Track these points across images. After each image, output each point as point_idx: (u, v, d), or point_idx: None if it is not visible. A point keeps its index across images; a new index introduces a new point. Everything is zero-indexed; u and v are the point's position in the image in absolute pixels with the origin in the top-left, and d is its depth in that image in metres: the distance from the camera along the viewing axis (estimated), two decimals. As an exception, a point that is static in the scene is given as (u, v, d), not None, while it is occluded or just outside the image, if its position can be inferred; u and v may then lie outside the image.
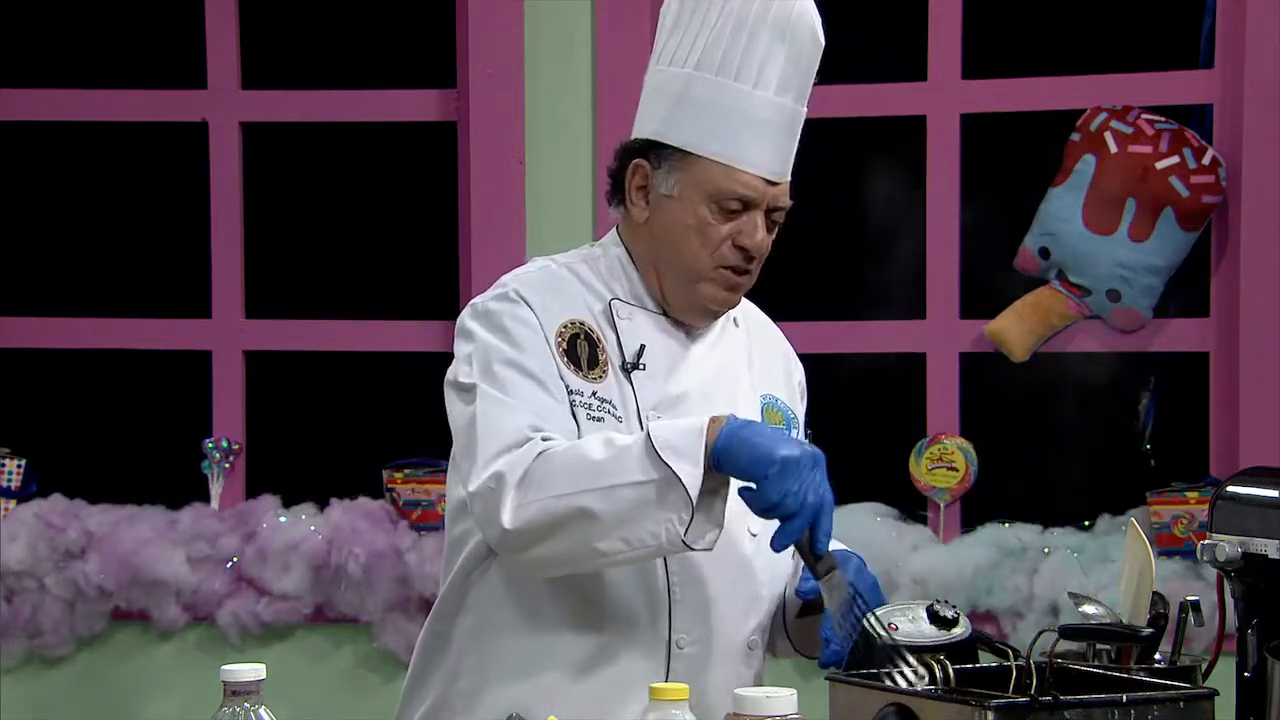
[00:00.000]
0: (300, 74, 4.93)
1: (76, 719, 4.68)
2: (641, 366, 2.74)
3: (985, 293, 4.59)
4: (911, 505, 4.57)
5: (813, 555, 2.58)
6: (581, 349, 2.73)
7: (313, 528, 4.58)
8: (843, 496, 4.52)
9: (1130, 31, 4.81)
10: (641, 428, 2.69)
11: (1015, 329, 4.48)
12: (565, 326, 2.73)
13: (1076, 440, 4.92)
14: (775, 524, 2.56)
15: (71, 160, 5.07)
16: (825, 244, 5.07)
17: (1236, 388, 4.37)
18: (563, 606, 2.71)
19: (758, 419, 2.82)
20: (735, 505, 2.61)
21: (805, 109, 2.81)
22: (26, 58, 4.99)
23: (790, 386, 2.97)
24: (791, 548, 2.59)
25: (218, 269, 4.82)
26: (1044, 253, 4.46)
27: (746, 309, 2.94)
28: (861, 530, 4.46)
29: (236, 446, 4.77)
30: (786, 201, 2.79)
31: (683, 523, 2.53)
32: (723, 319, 2.86)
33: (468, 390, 2.69)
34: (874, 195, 5.00)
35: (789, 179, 2.79)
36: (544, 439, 2.62)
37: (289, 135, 4.92)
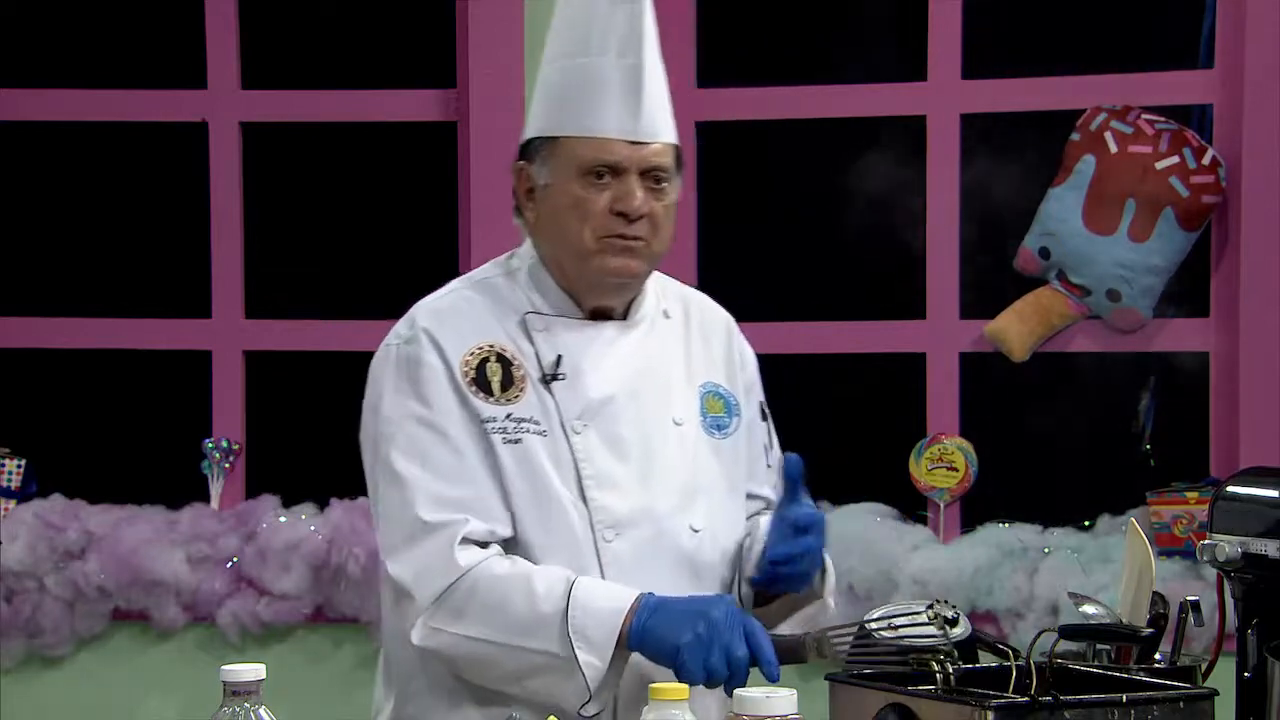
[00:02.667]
0: (300, 74, 4.93)
1: (76, 719, 4.68)
2: (561, 376, 2.74)
3: (985, 293, 4.59)
4: (911, 505, 4.57)
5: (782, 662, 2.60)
6: (493, 372, 2.73)
7: (313, 528, 4.58)
8: (843, 496, 4.57)
9: (1130, 31, 4.81)
10: (567, 439, 2.70)
11: (1015, 329, 4.48)
12: (472, 354, 2.74)
13: (1076, 440, 4.91)
14: (719, 517, 2.67)
15: (71, 160, 5.07)
16: (825, 244, 5.07)
17: (1236, 388, 4.37)
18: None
19: (696, 411, 2.82)
20: (673, 499, 2.68)
21: (649, 62, 2.79)
22: (26, 58, 4.99)
23: (733, 373, 2.94)
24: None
25: (218, 269, 4.82)
26: (1044, 253, 4.46)
27: (686, 298, 2.93)
28: (861, 530, 4.46)
29: (236, 446, 4.77)
30: (661, 161, 2.76)
31: (579, 700, 2.59)
32: (652, 311, 2.85)
33: (375, 453, 2.74)
34: (874, 195, 5.00)
35: (662, 141, 2.77)
36: (462, 541, 2.63)
37: (289, 135, 4.92)
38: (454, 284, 2.86)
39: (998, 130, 4.67)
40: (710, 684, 2.56)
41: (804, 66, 4.86)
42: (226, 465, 4.75)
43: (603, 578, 2.69)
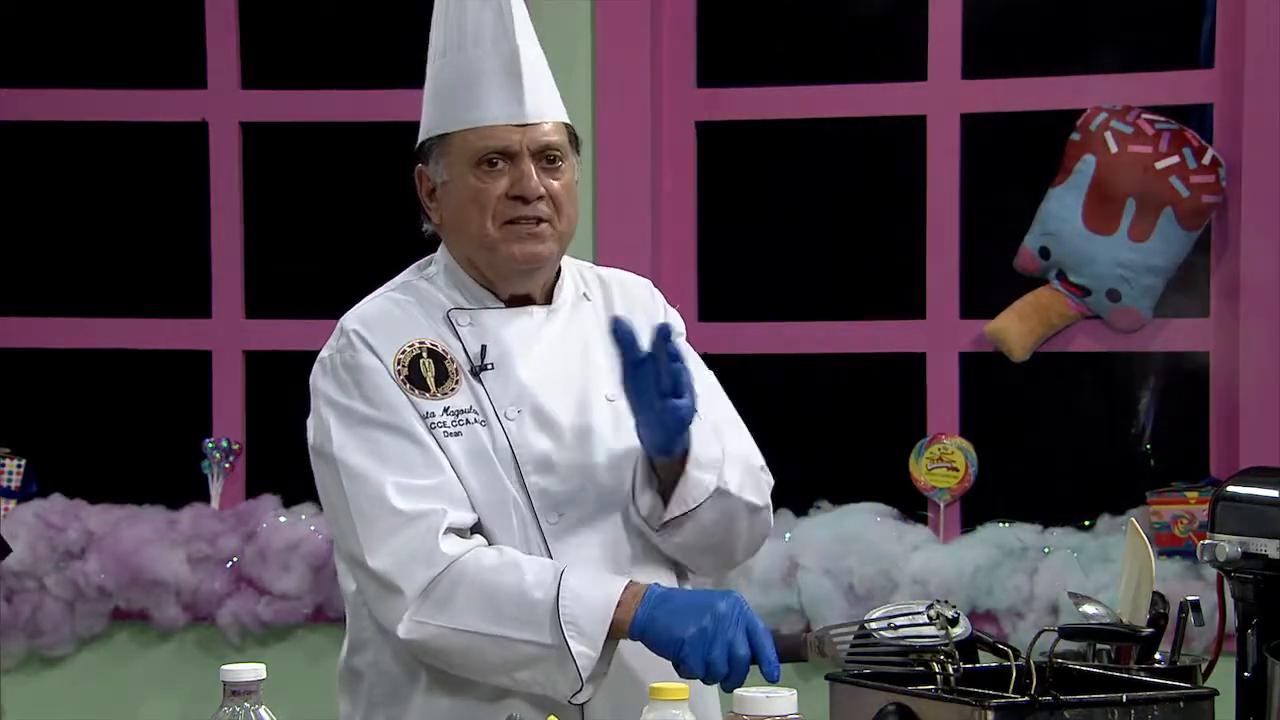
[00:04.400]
0: (300, 74, 4.93)
1: (76, 719, 4.68)
2: (489, 367, 2.74)
3: (985, 293, 4.59)
4: (911, 505, 4.57)
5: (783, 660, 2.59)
6: (426, 368, 2.74)
7: (313, 528, 4.58)
8: (843, 496, 4.57)
9: (1130, 31, 4.81)
10: (502, 427, 2.70)
11: (1015, 329, 4.48)
12: (403, 352, 2.74)
13: (1076, 440, 4.91)
14: None
15: (71, 160, 5.06)
16: (825, 244, 5.07)
17: (1236, 388, 4.37)
18: None
19: (618, 389, 2.77)
20: (612, 475, 2.70)
21: (525, 45, 2.82)
22: (26, 58, 4.99)
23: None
24: None
25: (218, 269, 4.82)
26: (1044, 253, 4.46)
27: (603, 278, 2.92)
28: (861, 530, 4.46)
29: (236, 446, 4.77)
30: (552, 139, 2.77)
31: (571, 690, 2.59)
32: (571, 295, 2.85)
33: (331, 460, 2.72)
34: (874, 195, 5.00)
35: (551, 120, 2.78)
36: (445, 531, 2.63)
37: (289, 135, 4.92)
38: (377, 292, 2.89)
39: (998, 130, 4.67)
40: (708, 680, 2.56)
41: (804, 66, 4.86)
42: (226, 465, 4.75)
43: (551, 559, 2.69)
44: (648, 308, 2.91)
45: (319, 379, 2.78)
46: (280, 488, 4.70)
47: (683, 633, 2.54)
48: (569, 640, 2.56)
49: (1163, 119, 4.41)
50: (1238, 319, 4.37)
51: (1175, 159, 4.34)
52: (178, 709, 4.66)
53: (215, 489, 4.74)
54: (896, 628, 2.57)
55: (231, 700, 2.23)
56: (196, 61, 4.81)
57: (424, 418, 2.70)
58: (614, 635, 2.58)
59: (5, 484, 4.71)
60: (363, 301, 2.86)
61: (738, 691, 2.20)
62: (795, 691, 2.18)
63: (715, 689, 2.68)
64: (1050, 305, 4.47)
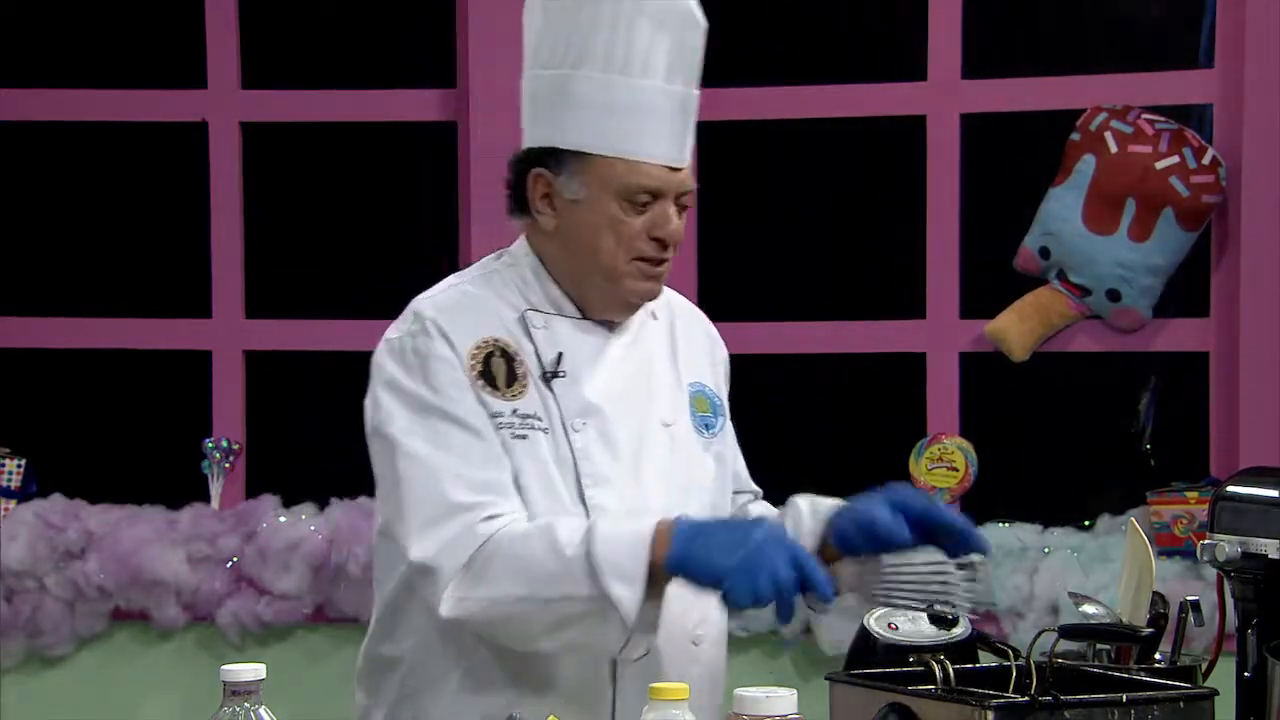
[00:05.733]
0: (300, 74, 4.93)
1: (76, 719, 4.68)
2: (561, 374, 2.73)
3: (985, 293, 4.59)
4: (911, 505, 4.56)
5: (822, 604, 2.56)
6: (498, 367, 2.72)
7: (313, 528, 4.58)
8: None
9: (1130, 31, 4.81)
10: (566, 437, 2.69)
11: (1015, 329, 4.48)
12: (479, 347, 2.71)
13: (1076, 440, 4.91)
14: (709, 515, 2.64)
15: (71, 160, 5.06)
16: (825, 244, 5.07)
17: (1236, 388, 4.37)
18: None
19: (685, 411, 2.82)
20: (665, 499, 2.68)
21: (696, 92, 2.78)
22: (26, 58, 4.99)
23: (715, 371, 2.96)
24: None
25: (218, 269, 4.82)
26: (1044, 253, 4.46)
27: (669, 301, 2.93)
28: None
29: (236, 446, 4.77)
30: (691, 184, 2.76)
31: (619, 641, 2.56)
32: (640, 314, 2.85)
33: (391, 443, 2.69)
34: (873, 195, 5.00)
35: (689, 162, 2.77)
36: (487, 517, 2.62)
37: (289, 135, 4.92)
38: (451, 280, 2.84)
39: (998, 130, 4.67)
40: (757, 608, 2.51)
41: (804, 66, 4.86)
42: (226, 465, 4.75)
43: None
44: (706, 344, 2.95)
45: (386, 360, 2.74)
46: (280, 488, 4.70)
47: (724, 565, 2.49)
48: (607, 587, 2.52)
49: (1163, 119, 4.41)
50: (1238, 319, 4.37)
51: (1175, 159, 4.34)
52: (178, 709, 4.66)
53: (215, 489, 4.74)
54: (896, 628, 2.57)
55: (231, 700, 2.23)
56: (196, 61, 4.81)
57: (492, 416, 2.68)
58: (653, 576, 2.54)
59: (5, 484, 4.71)
60: (436, 288, 2.82)
61: (737, 692, 2.20)
62: (795, 691, 2.18)
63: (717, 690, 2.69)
64: (1050, 305, 4.47)
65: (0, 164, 5.00)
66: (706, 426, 2.86)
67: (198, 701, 4.54)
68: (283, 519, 4.61)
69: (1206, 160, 4.35)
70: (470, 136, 4.61)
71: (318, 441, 5.10)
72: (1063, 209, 4.43)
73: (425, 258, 4.89)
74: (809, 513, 2.78)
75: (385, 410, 2.71)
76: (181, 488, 4.75)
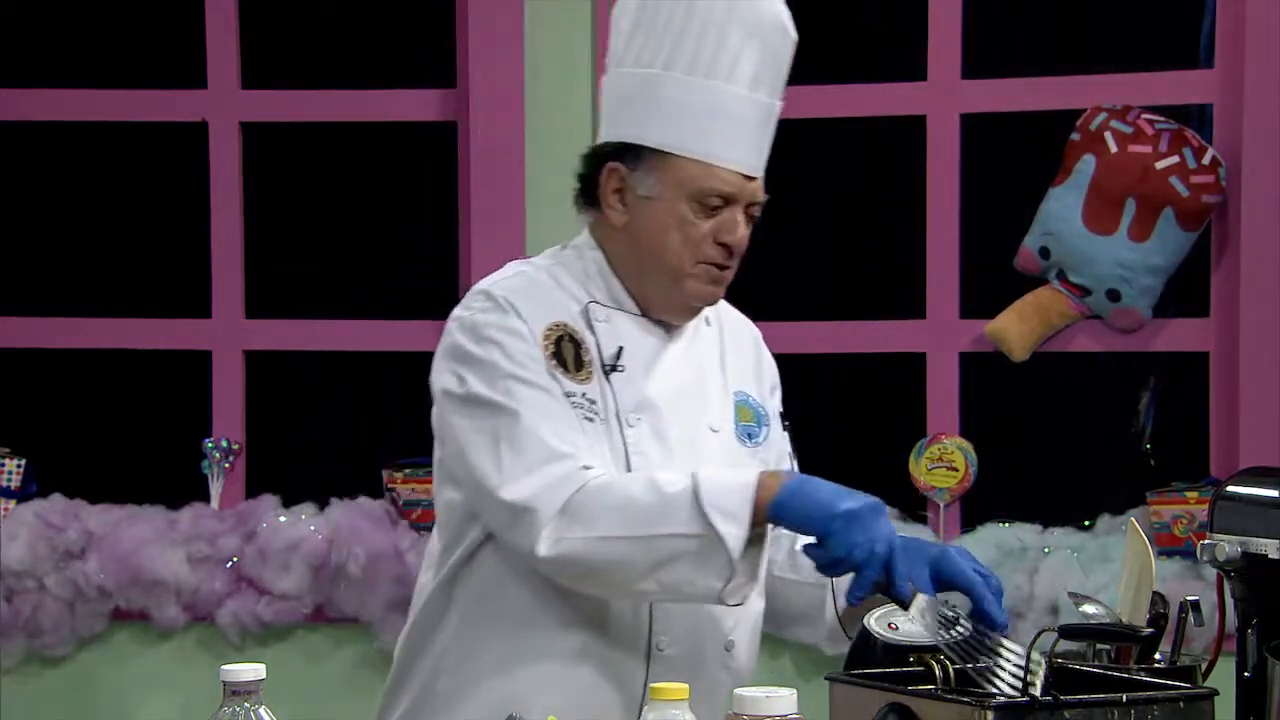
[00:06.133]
0: (300, 74, 4.93)
1: (76, 719, 4.68)
2: (620, 368, 2.74)
3: (985, 293, 4.59)
4: (911, 505, 4.57)
5: (895, 599, 2.57)
6: (567, 351, 2.72)
7: (313, 528, 4.58)
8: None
9: (1130, 31, 4.81)
10: (620, 431, 2.70)
11: (1015, 329, 4.48)
12: (551, 329, 2.72)
13: (1076, 440, 4.91)
14: None
15: (71, 160, 5.07)
16: (825, 244, 5.07)
17: (1236, 388, 4.37)
18: (547, 608, 2.71)
19: (730, 419, 2.84)
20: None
21: (780, 103, 2.82)
22: (26, 58, 4.99)
23: (761, 383, 2.97)
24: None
25: (218, 269, 4.82)
26: (1044, 253, 4.46)
27: (719, 308, 2.93)
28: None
29: (236, 446, 4.77)
30: (762, 196, 2.78)
31: (721, 580, 2.54)
32: (696, 320, 2.86)
33: (473, 402, 2.67)
34: (874, 195, 5.00)
35: (763, 174, 2.79)
36: (584, 467, 2.62)
37: (289, 135, 4.92)
38: (515, 266, 2.83)
39: (998, 130, 4.67)
40: (835, 570, 2.53)
41: (804, 66, 4.85)
42: (226, 465, 4.75)
43: None
44: (754, 354, 2.96)
45: (459, 336, 2.72)
46: (280, 488, 4.70)
47: (832, 511, 2.52)
48: (714, 523, 2.52)
49: (1163, 119, 4.41)
50: (1238, 319, 4.37)
51: (1175, 159, 4.34)
52: (178, 709, 4.66)
53: (215, 489, 4.74)
54: (896, 628, 2.57)
55: (231, 700, 2.23)
56: (196, 61, 4.81)
57: (565, 394, 2.69)
58: (757, 519, 2.53)
59: (5, 484, 4.71)
60: (499, 274, 2.81)
61: (737, 692, 2.20)
62: (795, 691, 2.18)
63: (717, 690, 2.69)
64: (1050, 305, 4.47)
65: (0, 164, 5.00)
66: (749, 436, 2.87)
67: (198, 701, 4.54)
68: (283, 519, 4.61)
69: (1206, 160, 4.35)
70: (470, 136, 4.61)
71: (318, 441, 5.10)
72: (1063, 209, 4.43)
73: (425, 258, 4.89)
74: None
75: (463, 379, 2.69)
76: (181, 488, 4.75)
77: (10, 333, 4.87)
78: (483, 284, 2.78)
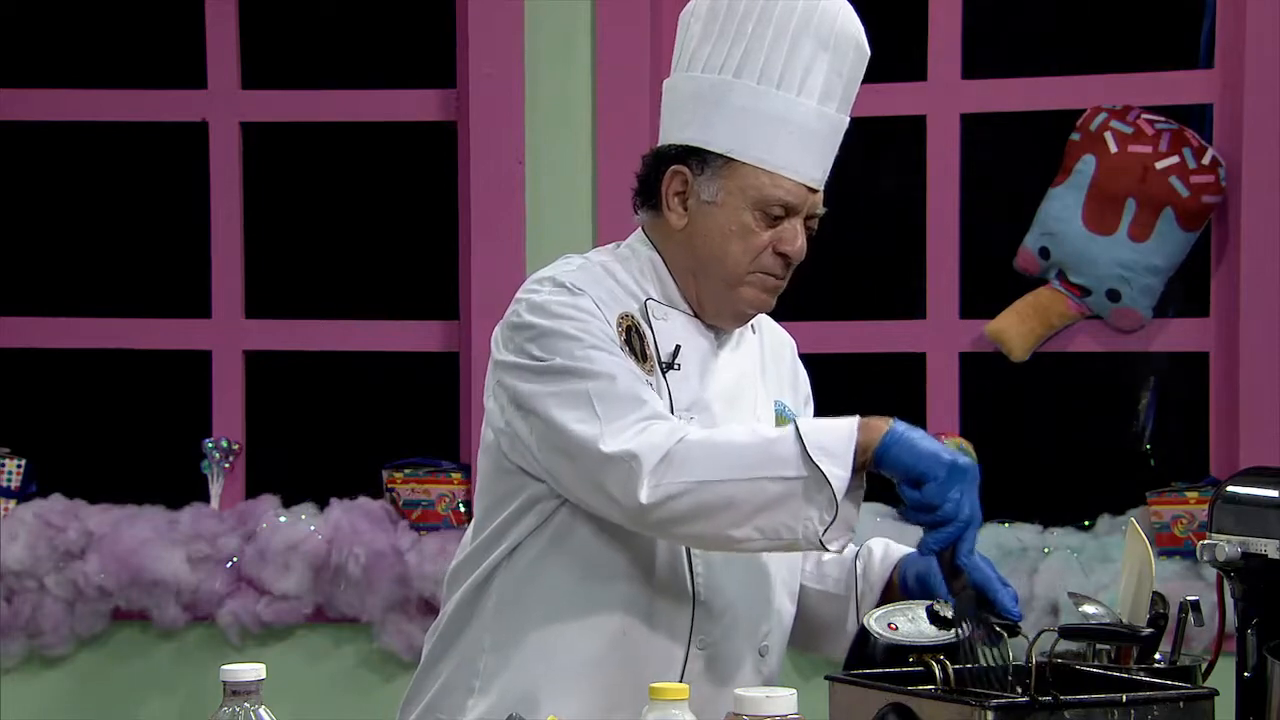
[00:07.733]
0: (300, 74, 4.93)
1: (76, 719, 4.68)
2: (677, 366, 2.75)
3: (985, 293, 4.59)
4: (912, 505, 4.56)
5: (951, 567, 2.57)
6: (635, 342, 2.73)
7: (313, 528, 4.58)
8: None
9: (1130, 31, 4.81)
10: None
11: (1015, 329, 4.48)
12: (621, 317, 2.73)
13: (1076, 440, 4.91)
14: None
15: (71, 160, 5.07)
16: (825, 244, 5.06)
17: (1236, 388, 4.37)
18: (589, 598, 2.71)
19: (771, 425, 2.83)
20: None
21: (848, 118, 2.83)
22: (26, 58, 4.99)
23: (796, 394, 2.99)
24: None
25: (218, 269, 4.82)
26: (1044, 253, 4.46)
27: (760, 317, 2.95)
28: (861, 531, 4.45)
29: (236, 446, 4.77)
30: (822, 209, 2.80)
31: (824, 522, 2.55)
32: (744, 327, 2.88)
33: (557, 371, 2.65)
34: (874, 195, 5.00)
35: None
36: (682, 421, 2.64)
37: (289, 135, 4.92)
38: (574, 258, 2.82)
39: (998, 130, 4.67)
40: (931, 515, 2.55)
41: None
42: (226, 465, 4.76)
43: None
44: (790, 364, 2.99)
45: (529, 316, 2.70)
46: (280, 488, 4.70)
47: (938, 460, 2.54)
48: (819, 463, 2.52)
49: (1163, 119, 4.41)
50: (1238, 319, 4.37)
51: (1175, 159, 4.34)
52: (178, 709, 4.66)
53: (215, 489, 4.74)
54: (896, 628, 2.57)
55: (231, 700, 2.23)
56: (196, 61, 4.81)
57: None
58: (859, 462, 2.55)
59: (5, 484, 4.71)
60: (560, 263, 2.79)
61: (737, 691, 2.20)
62: (795, 691, 2.19)
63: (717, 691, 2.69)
64: (1050, 305, 4.47)
65: (0, 164, 5.00)
66: None
67: (198, 701, 4.55)
68: (283, 519, 4.61)
69: (1206, 160, 4.35)
70: (470, 136, 4.61)
71: (318, 441, 5.10)
72: (1063, 209, 4.43)
73: (425, 258, 4.89)
74: (880, 557, 2.90)
75: (540, 355, 2.67)
76: (181, 488, 4.75)
77: (10, 333, 4.87)
78: (544, 272, 2.76)
